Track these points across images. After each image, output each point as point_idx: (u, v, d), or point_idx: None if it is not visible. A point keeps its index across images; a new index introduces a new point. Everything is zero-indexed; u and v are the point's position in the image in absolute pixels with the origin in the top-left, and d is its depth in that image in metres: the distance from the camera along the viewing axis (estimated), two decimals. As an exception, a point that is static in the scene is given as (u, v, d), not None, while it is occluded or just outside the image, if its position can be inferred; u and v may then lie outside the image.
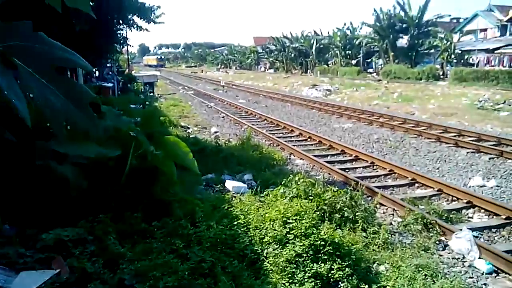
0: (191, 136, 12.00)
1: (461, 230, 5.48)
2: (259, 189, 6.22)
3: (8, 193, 3.90)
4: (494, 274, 4.80)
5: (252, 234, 4.29)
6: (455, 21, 49.07)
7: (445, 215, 6.34)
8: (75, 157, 4.25)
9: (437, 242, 5.48)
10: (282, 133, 14.01)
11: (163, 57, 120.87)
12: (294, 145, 11.44)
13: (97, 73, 23.50)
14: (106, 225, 4.02)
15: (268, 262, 3.82)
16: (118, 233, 4.01)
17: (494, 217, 6.40)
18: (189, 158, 4.98)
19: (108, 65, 26.30)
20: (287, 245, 4.04)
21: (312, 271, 3.72)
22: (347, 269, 3.85)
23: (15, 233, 3.81)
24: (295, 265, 3.77)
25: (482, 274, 4.79)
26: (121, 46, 21.36)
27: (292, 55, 58.68)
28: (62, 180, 4.16)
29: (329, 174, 8.70)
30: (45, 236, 3.65)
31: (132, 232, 4.10)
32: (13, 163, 4.02)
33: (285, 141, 12.07)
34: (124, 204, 4.49)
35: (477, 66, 33.16)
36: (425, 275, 4.34)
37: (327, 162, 9.59)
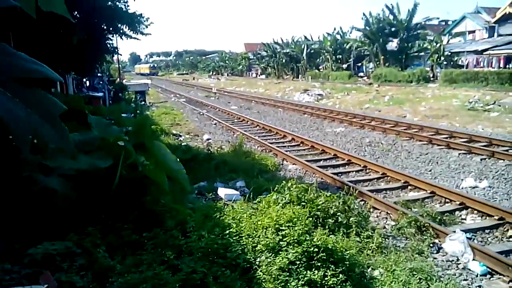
0: (183, 144, 11.94)
1: (454, 232, 5.47)
2: (251, 196, 6.18)
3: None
4: (488, 276, 4.79)
5: (244, 243, 4.24)
6: (443, 23, 49.54)
7: (438, 217, 6.32)
8: (64, 168, 4.18)
9: (431, 245, 5.46)
10: (275, 138, 13.99)
11: (156, 65, 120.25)
12: (286, 151, 11.42)
13: (87, 83, 23.40)
14: (95, 238, 3.95)
15: (261, 271, 3.76)
16: (108, 245, 3.95)
17: (487, 218, 6.41)
18: (182, 173, 4.92)
19: (99, 74, 26.22)
20: (280, 252, 3.99)
21: (306, 278, 3.67)
22: (341, 275, 3.80)
23: (2, 248, 3.72)
24: (288, 273, 3.72)
25: (477, 276, 4.78)
26: (111, 55, 21.30)
27: (283, 60, 58.89)
28: (50, 192, 4.09)
29: (322, 178, 8.68)
30: (32, 251, 3.58)
31: (122, 244, 4.04)
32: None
33: (278, 146, 12.04)
34: (114, 215, 4.43)
35: (466, 68, 33.44)
36: (420, 278, 4.33)
37: (320, 166, 9.58)
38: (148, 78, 63.53)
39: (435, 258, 5.17)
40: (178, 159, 5.07)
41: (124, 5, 12.13)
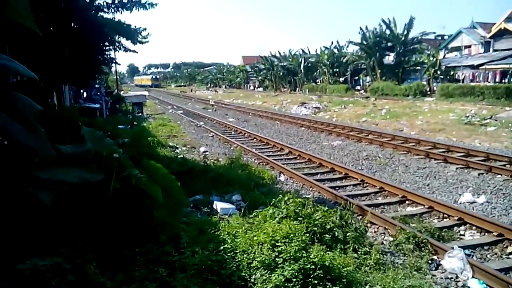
0: (179, 156, 11.85)
1: (453, 248, 5.38)
2: (247, 210, 6.08)
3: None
4: (488, 294, 4.70)
5: (239, 259, 4.14)
6: (439, 38, 49.99)
7: (437, 233, 6.25)
8: (54, 181, 4.09)
9: (430, 262, 5.37)
10: (272, 151, 13.93)
11: (158, 76, 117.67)
12: (283, 164, 11.35)
13: (84, 94, 23.37)
14: (86, 253, 3.84)
15: (256, 289, 3.67)
16: (99, 261, 3.83)
17: (486, 234, 6.33)
18: (175, 186, 4.83)
19: (96, 86, 26.22)
20: (276, 269, 3.90)
21: (302, 297, 3.58)
22: (338, 293, 3.71)
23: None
24: (284, 291, 3.62)
25: (476, 294, 4.69)
26: (109, 66, 21.31)
27: (281, 73, 59.13)
28: (41, 205, 3.99)
29: (319, 192, 8.60)
30: (20, 267, 3.47)
31: (114, 260, 3.93)
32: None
33: (275, 159, 11.97)
34: (106, 230, 4.32)
35: (462, 82, 33.60)
36: (419, 297, 4.23)
37: (317, 180, 9.50)
38: (147, 90, 63.50)
39: (434, 275, 5.08)
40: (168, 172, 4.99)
41: (121, 18, 12.17)
